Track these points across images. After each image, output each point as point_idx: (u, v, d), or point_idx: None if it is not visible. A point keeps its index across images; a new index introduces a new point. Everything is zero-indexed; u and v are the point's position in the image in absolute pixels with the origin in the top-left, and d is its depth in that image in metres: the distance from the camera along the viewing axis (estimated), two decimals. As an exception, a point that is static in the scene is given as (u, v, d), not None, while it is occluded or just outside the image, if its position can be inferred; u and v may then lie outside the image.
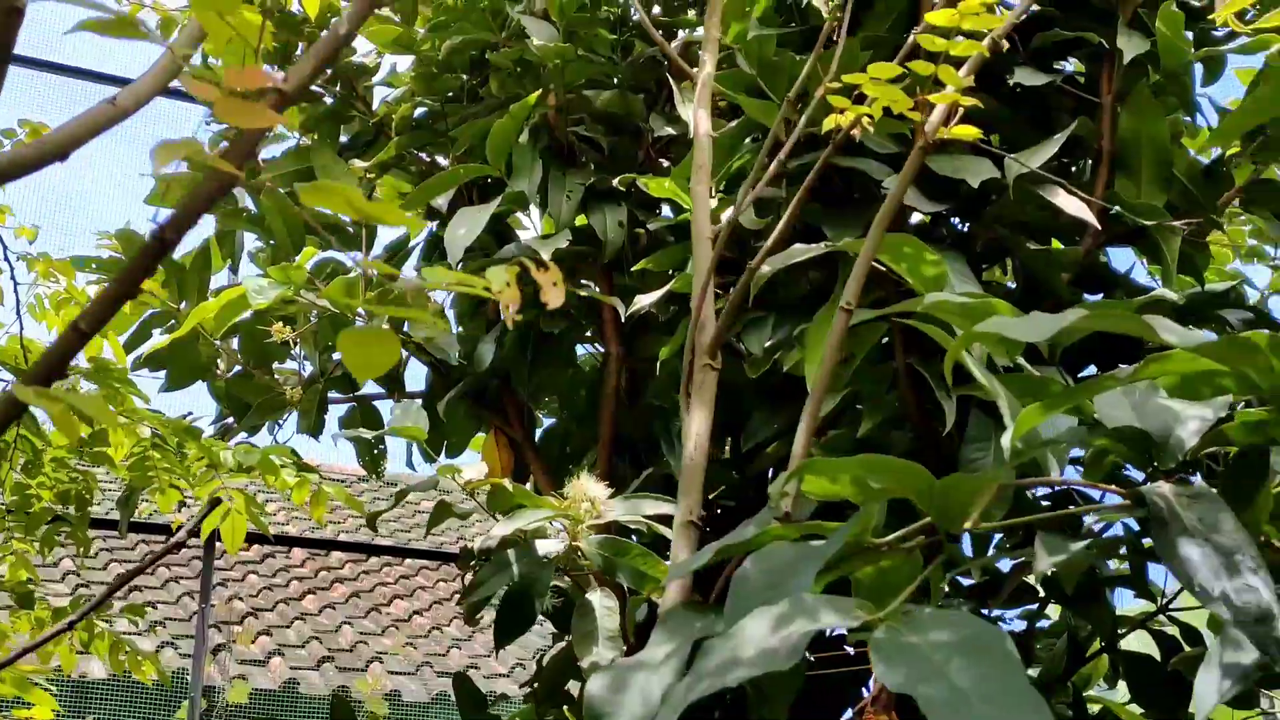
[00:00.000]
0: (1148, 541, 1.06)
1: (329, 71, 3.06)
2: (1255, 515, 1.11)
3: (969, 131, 1.43)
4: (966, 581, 3.07)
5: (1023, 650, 3.10)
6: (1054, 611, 3.11)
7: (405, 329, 3.22)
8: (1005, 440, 1.07)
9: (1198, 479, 1.09)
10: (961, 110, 1.43)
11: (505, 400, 3.10)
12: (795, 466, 0.96)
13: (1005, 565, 3.30)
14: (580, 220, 2.91)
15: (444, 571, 8.45)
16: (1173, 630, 2.79)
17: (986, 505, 1.02)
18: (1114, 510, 1.11)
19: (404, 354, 3.20)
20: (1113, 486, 1.10)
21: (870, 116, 1.37)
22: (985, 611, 3.15)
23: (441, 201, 3.10)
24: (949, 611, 0.84)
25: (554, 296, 0.95)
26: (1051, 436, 1.18)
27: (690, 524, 1.16)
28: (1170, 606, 2.83)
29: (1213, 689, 1.24)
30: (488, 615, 2.66)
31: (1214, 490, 1.08)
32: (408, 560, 8.67)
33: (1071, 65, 2.51)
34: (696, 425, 1.23)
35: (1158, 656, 2.79)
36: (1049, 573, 1.31)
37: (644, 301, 2.48)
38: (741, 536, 1.05)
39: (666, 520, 2.73)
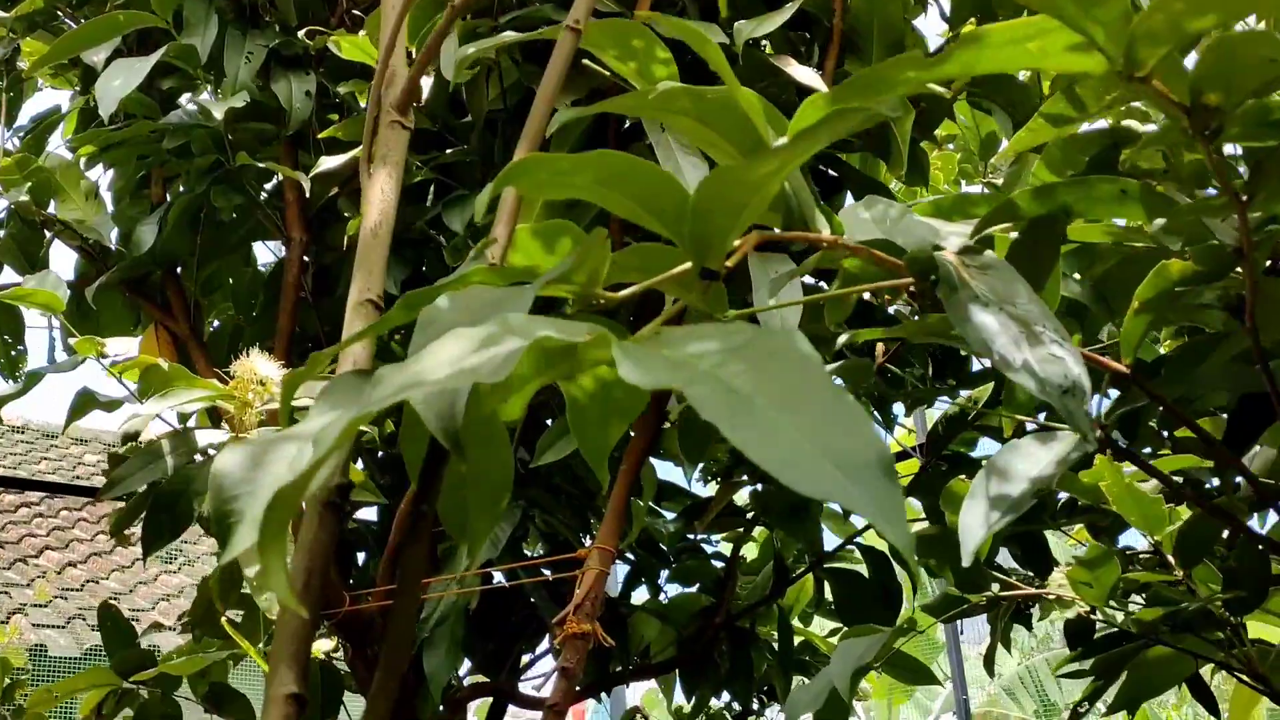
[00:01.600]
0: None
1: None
2: (1050, 291, 0.94)
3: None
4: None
5: (728, 575, 2.97)
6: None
7: (52, 209, 2.79)
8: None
9: (988, 252, 0.91)
10: None
11: (169, 292, 2.72)
12: (505, 168, 0.71)
13: (705, 488, 3.18)
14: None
15: (105, 524, 7.80)
16: (882, 546, 2.73)
17: (745, 246, 0.80)
18: (896, 286, 0.92)
19: (48, 236, 2.77)
20: (895, 260, 0.90)
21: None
22: (691, 536, 3.03)
23: (100, 59, 2.68)
24: (716, 324, 0.61)
25: None
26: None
27: (369, 303, 0.88)
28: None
29: (979, 521, 1.08)
30: (155, 567, 2.30)
31: (1005, 261, 0.91)
32: (62, 512, 7.94)
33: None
34: (380, 191, 0.95)
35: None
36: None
37: (329, 164, 2.17)
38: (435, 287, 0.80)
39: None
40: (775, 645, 3.18)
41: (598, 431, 1.14)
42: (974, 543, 1.06)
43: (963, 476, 1.65)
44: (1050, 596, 1.67)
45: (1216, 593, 1.57)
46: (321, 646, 2.04)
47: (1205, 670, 3.11)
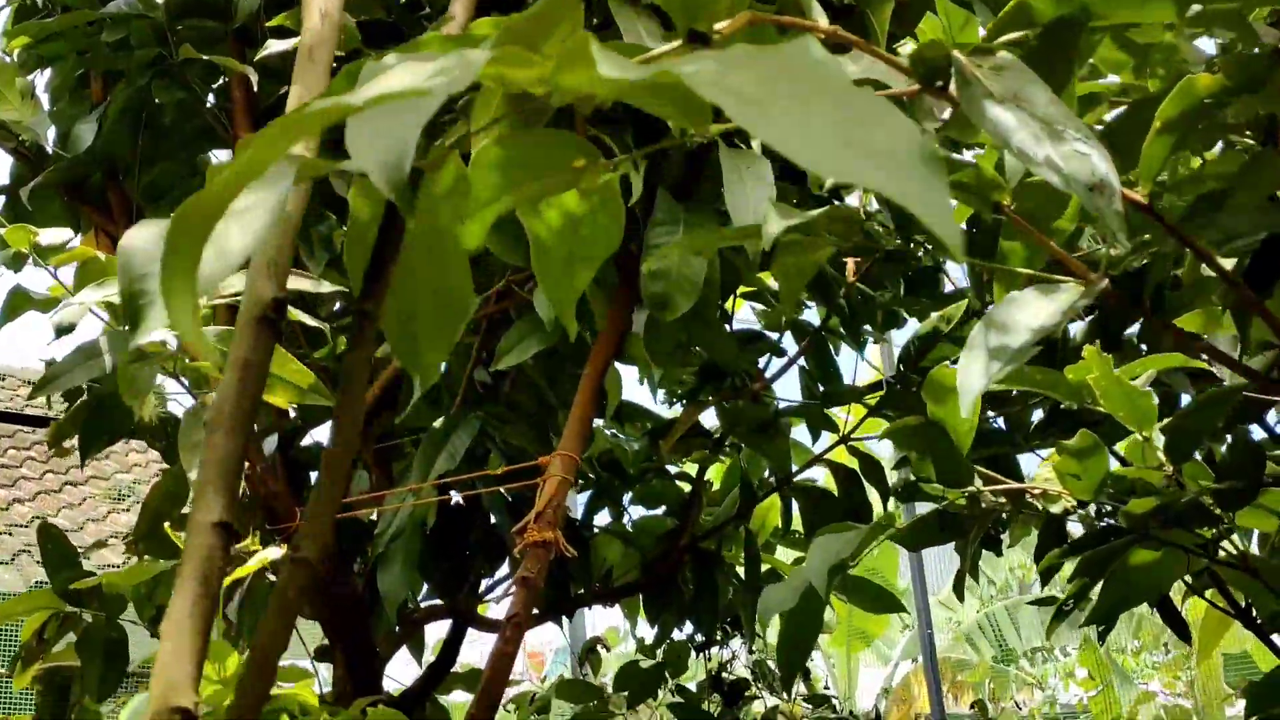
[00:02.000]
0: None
1: None
2: (1069, 96, 0.85)
3: None
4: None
5: (693, 497, 2.90)
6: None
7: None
8: None
9: (1001, 53, 0.81)
10: None
11: (110, 195, 2.59)
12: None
13: (669, 410, 3.10)
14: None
15: (55, 464, 7.64)
16: (852, 463, 2.65)
17: (737, 23, 0.70)
18: (904, 93, 0.82)
19: (-21, 137, 2.62)
20: (901, 63, 0.81)
21: None
22: (652, 457, 2.94)
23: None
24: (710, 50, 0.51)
25: None
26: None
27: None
28: (851, 436, 2.69)
29: (979, 371, 0.99)
30: (105, 505, 2.19)
31: (1020, 61, 0.81)
32: (10, 451, 7.77)
33: None
34: (319, 8, 0.85)
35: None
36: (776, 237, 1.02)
37: (277, 47, 2.05)
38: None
39: (311, 309, 2.34)
40: (741, 573, 3.11)
41: (563, 275, 1.04)
42: (973, 392, 0.98)
43: (947, 362, 1.57)
44: (1035, 492, 1.59)
45: (1209, 487, 1.50)
46: (270, 554, 1.94)
47: (1175, 595, 3.07)
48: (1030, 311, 1.03)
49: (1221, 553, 1.56)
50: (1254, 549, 1.96)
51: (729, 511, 2.80)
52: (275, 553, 1.98)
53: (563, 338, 2.54)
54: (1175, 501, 1.49)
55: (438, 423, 2.30)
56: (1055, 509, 1.56)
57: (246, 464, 2.43)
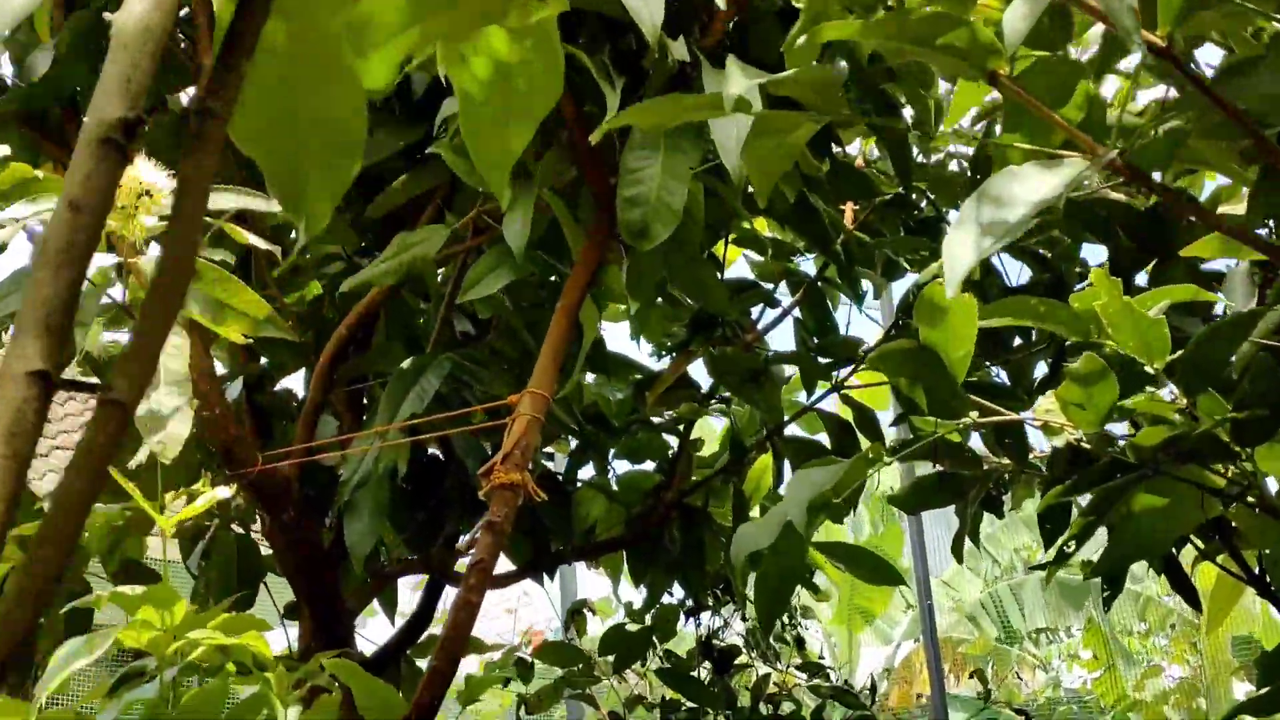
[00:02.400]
0: None
1: None
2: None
3: None
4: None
5: (681, 450, 2.78)
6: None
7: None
8: None
9: None
10: None
11: (69, 129, 2.46)
12: None
13: (658, 364, 2.97)
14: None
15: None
16: (846, 414, 2.53)
17: None
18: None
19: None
20: None
21: None
22: (637, 409, 2.82)
23: None
24: None
25: None
26: None
27: None
28: (845, 386, 2.57)
29: (969, 247, 0.86)
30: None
31: None
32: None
33: None
34: None
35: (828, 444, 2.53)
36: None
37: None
38: None
39: (255, 227, 2.21)
40: (730, 534, 2.99)
41: (494, 135, 0.92)
42: (961, 270, 0.85)
43: (938, 279, 1.44)
44: (1035, 423, 1.47)
45: (1227, 416, 1.37)
46: (219, 494, 1.82)
47: (1185, 561, 2.94)
48: (1030, 185, 0.90)
49: (1241, 489, 1.43)
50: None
51: (718, 466, 2.67)
52: (224, 492, 1.86)
53: (544, 281, 2.41)
54: (1189, 433, 1.36)
55: (406, 363, 2.17)
56: (1057, 442, 1.44)
57: (206, 408, 2.31)
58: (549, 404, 1.93)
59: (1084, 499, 2.10)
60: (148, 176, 1.76)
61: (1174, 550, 2.87)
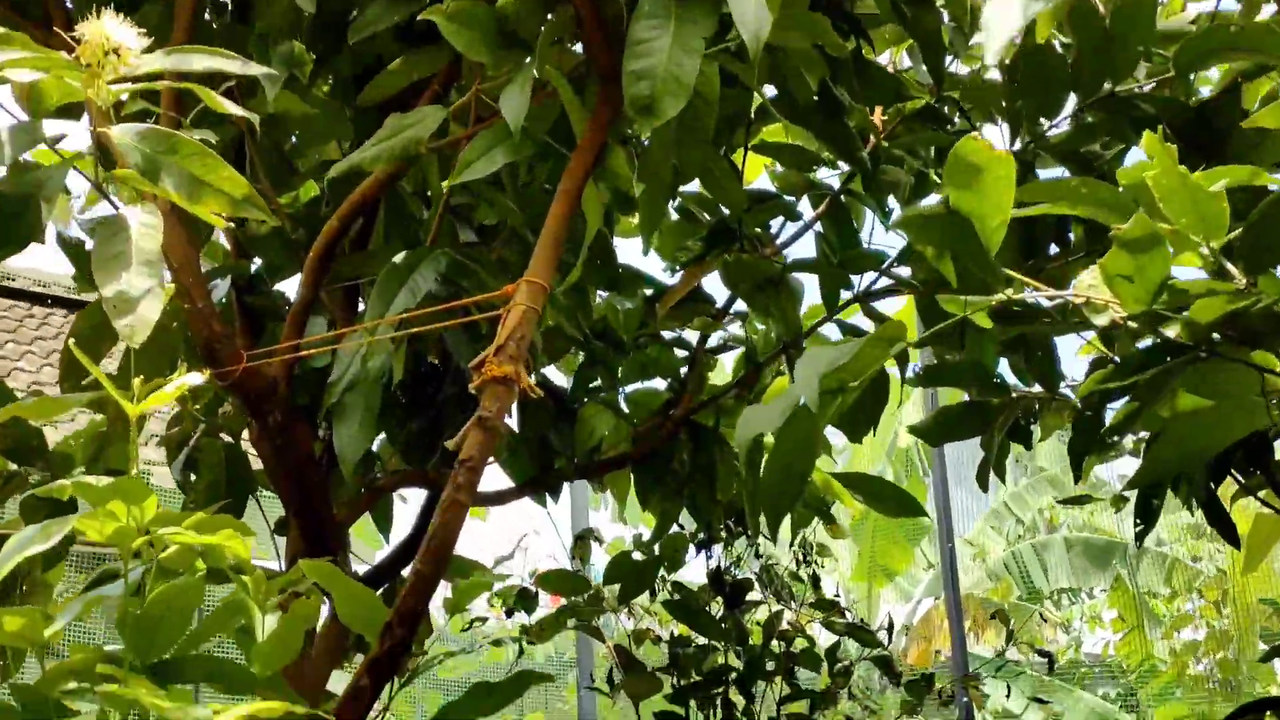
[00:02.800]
0: None
1: None
2: None
3: None
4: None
5: (692, 365, 2.64)
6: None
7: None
8: None
9: None
10: None
11: (50, 8, 2.34)
12: None
13: (673, 278, 2.82)
14: None
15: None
16: (867, 325, 2.39)
17: None
18: None
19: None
20: None
21: None
22: (647, 323, 2.68)
23: None
24: None
25: None
26: None
27: None
28: (869, 295, 2.43)
29: (1015, 9, 0.72)
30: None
31: None
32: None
33: None
34: None
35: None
36: None
37: None
38: None
39: (230, 92, 2.08)
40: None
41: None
42: (1004, 35, 0.71)
43: (975, 135, 1.29)
44: (1075, 302, 1.32)
45: (1291, 294, 1.22)
46: (192, 380, 1.70)
47: (1224, 495, 2.79)
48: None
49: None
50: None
51: (730, 380, 2.54)
52: (195, 379, 1.73)
53: (551, 186, 2.27)
54: (1250, 308, 1.22)
55: (399, 256, 2.04)
56: (1100, 320, 1.29)
57: (189, 301, 2.19)
58: (547, 295, 1.79)
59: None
60: (115, 33, 1.63)
61: (1212, 485, 2.73)
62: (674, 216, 2.79)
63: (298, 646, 1.82)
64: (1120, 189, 1.45)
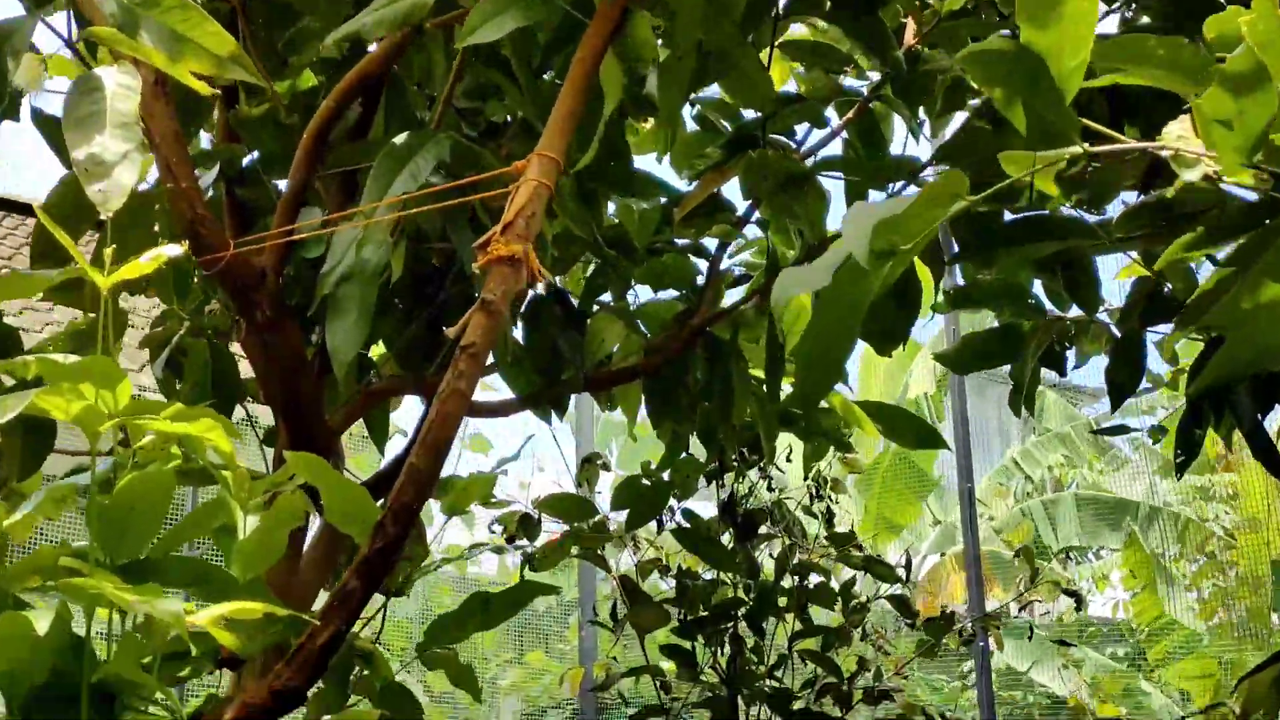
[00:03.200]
0: None
1: None
2: None
3: None
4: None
5: (711, 275, 2.49)
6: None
7: None
8: None
9: None
10: None
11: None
12: None
13: (687, 185, 2.67)
14: None
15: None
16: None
17: None
18: None
19: None
20: None
21: None
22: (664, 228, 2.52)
23: None
24: None
25: None
26: None
27: None
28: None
29: None
30: None
31: None
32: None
33: None
34: None
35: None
36: None
37: None
38: None
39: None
40: (763, 386, 2.72)
41: None
42: None
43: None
44: (1167, 153, 1.16)
45: None
46: (169, 251, 1.55)
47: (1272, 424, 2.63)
48: None
49: None
50: None
51: (750, 290, 2.38)
52: (173, 250, 1.58)
53: (560, 60, 2.11)
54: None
55: (400, 138, 1.88)
56: (1192, 175, 1.13)
57: (170, 179, 2.03)
58: (560, 170, 1.64)
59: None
60: None
61: (1259, 415, 2.58)
62: (691, 128, 2.64)
63: (282, 546, 1.68)
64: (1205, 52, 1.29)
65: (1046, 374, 2.81)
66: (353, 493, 1.61)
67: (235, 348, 2.42)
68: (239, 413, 2.60)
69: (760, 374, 2.71)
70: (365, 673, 1.84)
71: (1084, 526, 8.98)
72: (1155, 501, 9.06)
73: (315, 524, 2.45)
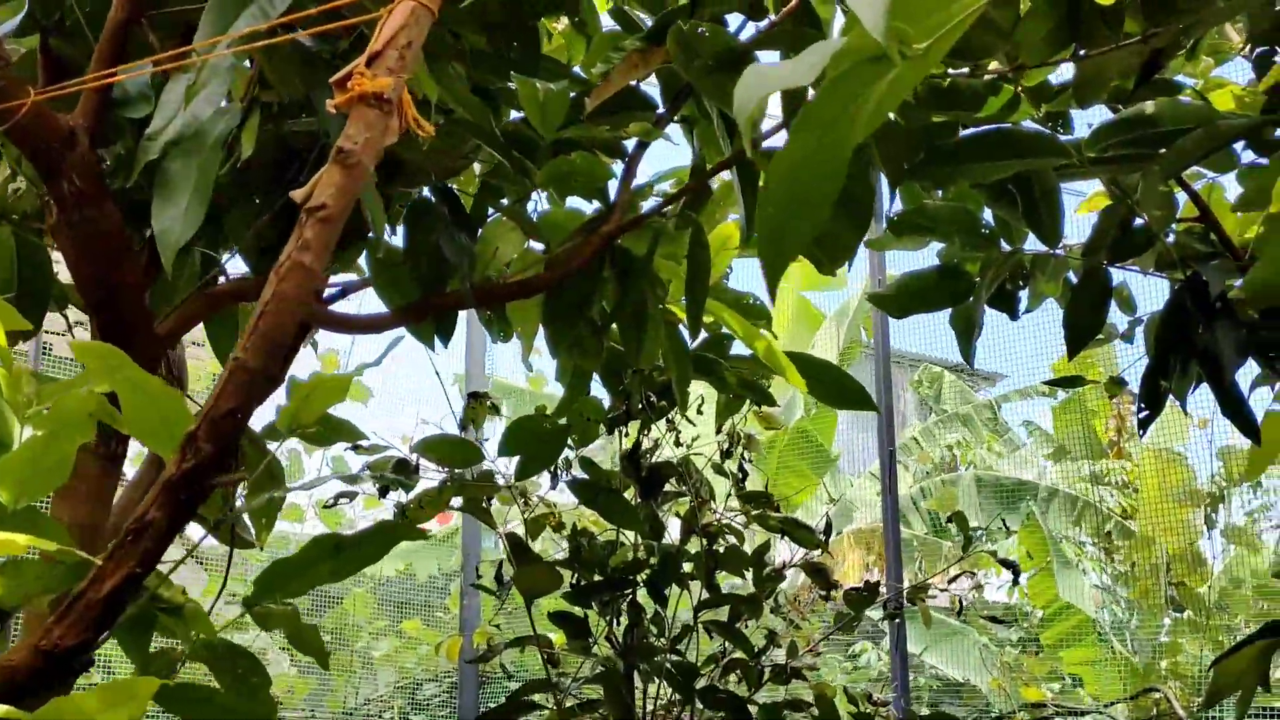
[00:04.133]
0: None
1: None
2: None
3: None
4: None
5: (625, 177, 2.13)
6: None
7: None
8: None
9: None
10: None
11: None
12: None
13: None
14: None
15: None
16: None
17: None
18: None
19: None
20: None
21: None
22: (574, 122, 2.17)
23: None
24: None
25: None
26: None
27: None
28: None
29: None
30: None
31: None
32: None
33: None
34: None
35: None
36: None
37: None
38: None
39: None
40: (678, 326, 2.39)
41: None
42: None
43: None
44: None
45: None
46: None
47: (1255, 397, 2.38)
48: None
49: None
50: None
51: (670, 194, 2.04)
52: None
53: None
54: None
55: (249, -37, 1.50)
56: None
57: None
58: (446, -6, 1.28)
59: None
60: None
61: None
62: (609, 26, 2.30)
63: (67, 465, 1.30)
64: None
65: (942, 355, 2.54)
66: (159, 394, 1.23)
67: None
68: (59, 323, 2.20)
69: (679, 310, 2.38)
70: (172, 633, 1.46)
71: (983, 509, 8.83)
72: (1049, 484, 8.97)
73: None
